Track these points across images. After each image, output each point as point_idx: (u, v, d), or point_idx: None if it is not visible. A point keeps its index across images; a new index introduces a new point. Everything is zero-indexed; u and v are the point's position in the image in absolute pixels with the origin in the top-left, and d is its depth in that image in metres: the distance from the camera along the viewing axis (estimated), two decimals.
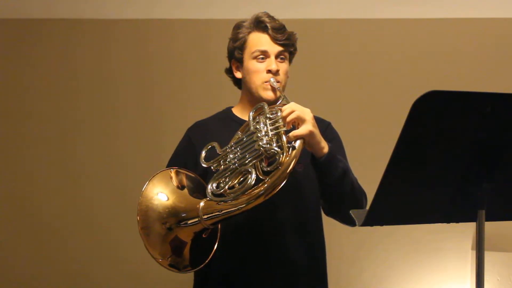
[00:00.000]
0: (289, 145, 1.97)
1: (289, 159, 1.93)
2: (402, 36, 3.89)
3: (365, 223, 1.59)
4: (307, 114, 1.99)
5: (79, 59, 4.06)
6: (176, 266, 2.02)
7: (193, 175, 2.11)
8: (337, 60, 3.91)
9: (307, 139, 1.98)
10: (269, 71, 2.15)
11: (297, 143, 1.96)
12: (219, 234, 2.07)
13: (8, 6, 3.98)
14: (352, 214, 1.71)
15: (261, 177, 1.95)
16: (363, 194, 2.12)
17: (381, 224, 1.66)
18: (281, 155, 1.94)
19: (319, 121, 2.18)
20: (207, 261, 2.05)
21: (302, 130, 1.97)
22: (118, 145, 4.02)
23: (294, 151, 1.94)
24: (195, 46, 3.99)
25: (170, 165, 2.21)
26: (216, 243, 2.06)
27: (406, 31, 3.88)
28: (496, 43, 3.79)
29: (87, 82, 4.06)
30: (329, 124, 2.28)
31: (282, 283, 2.12)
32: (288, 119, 1.99)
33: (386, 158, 1.47)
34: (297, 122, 2.00)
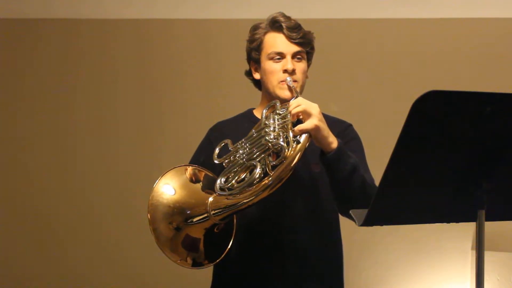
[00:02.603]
0: (294, 139, 1.97)
1: (293, 153, 1.93)
2: (402, 36, 3.89)
3: (365, 223, 1.58)
4: (313, 108, 1.99)
5: (78, 59, 4.07)
6: (198, 263, 2.02)
7: (211, 174, 2.11)
8: (336, 60, 3.90)
9: (313, 133, 1.97)
10: (285, 71, 2.15)
11: (303, 137, 1.96)
12: (234, 229, 2.06)
13: (8, 6, 3.98)
14: (352, 214, 1.70)
15: (269, 172, 1.95)
16: None
17: (381, 224, 1.66)
18: (287, 150, 1.95)
19: (339, 122, 2.20)
20: (224, 254, 2.03)
21: (308, 124, 1.97)
22: (118, 145, 4.02)
23: (299, 145, 1.94)
24: (195, 46, 3.99)
25: (192, 163, 2.21)
26: (232, 237, 2.05)
27: (406, 31, 3.88)
28: (496, 43, 3.79)
29: (87, 82, 4.06)
30: (350, 125, 2.27)
31: (299, 282, 2.12)
32: (293, 112, 1.99)
33: (386, 158, 1.47)
34: (303, 116, 2.00)
